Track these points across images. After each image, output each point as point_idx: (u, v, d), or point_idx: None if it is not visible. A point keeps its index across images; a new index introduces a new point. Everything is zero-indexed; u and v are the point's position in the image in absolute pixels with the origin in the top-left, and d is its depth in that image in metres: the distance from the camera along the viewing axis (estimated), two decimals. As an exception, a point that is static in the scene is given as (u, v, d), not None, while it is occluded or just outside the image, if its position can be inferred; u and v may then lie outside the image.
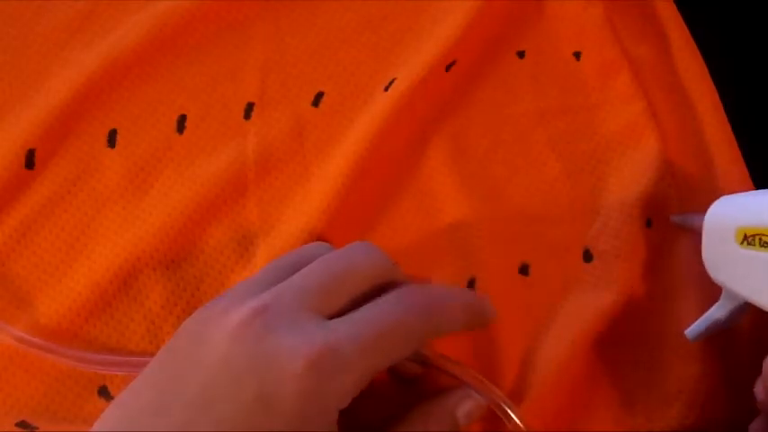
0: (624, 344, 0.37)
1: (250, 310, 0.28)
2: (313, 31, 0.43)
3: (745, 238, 0.32)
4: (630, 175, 0.40)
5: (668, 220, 0.39)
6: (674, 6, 0.43)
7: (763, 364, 0.31)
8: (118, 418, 0.28)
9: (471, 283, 0.38)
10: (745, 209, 0.33)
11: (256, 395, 0.26)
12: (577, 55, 0.42)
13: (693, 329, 0.36)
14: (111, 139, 0.40)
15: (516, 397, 0.36)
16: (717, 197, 0.35)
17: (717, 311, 0.35)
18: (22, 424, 0.35)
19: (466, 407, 0.31)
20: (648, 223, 0.39)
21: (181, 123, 0.41)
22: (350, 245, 0.32)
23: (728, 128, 0.40)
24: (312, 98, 0.41)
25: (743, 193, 0.35)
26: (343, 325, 0.28)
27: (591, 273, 0.38)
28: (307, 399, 0.26)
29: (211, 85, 0.41)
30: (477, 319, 0.33)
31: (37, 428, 0.35)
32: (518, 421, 0.31)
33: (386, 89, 0.41)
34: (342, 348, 0.27)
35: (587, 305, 0.37)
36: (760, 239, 0.32)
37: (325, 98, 0.41)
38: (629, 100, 0.41)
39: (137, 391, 0.28)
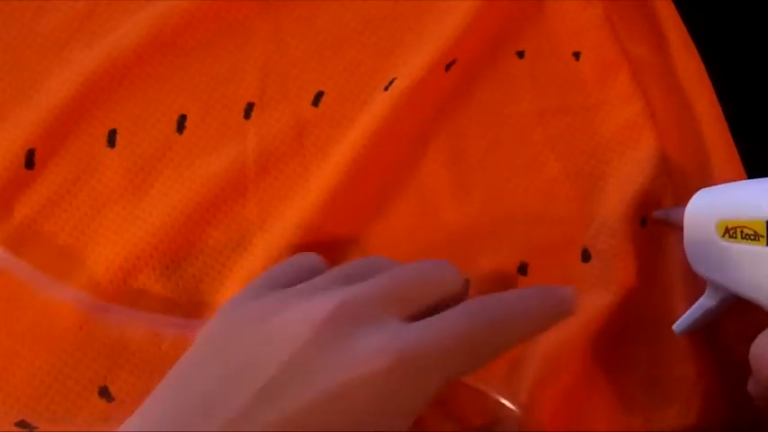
0: (622, 344, 0.37)
1: (336, 300, 0.27)
2: (313, 31, 0.43)
3: (727, 230, 0.32)
4: (628, 174, 0.40)
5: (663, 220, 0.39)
6: (673, 6, 0.43)
7: (750, 361, 0.31)
8: (171, 401, 0.27)
9: (468, 282, 0.38)
10: (725, 201, 0.33)
11: (337, 387, 0.25)
12: (577, 55, 0.42)
13: (680, 323, 0.36)
14: (111, 139, 0.40)
15: (514, 397, 0.36)
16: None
17: (702, 304, 0.35)
18: (21, 424, 0.35)
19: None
20: (643, 222, 0.39)
21: (181, 123, 0.41)
22: (422, 260, 0.32)
23: (726, 128, 0.40)
24: (312, 98, 0.41)
25: (723, 185, 0.35)
26: (428, 329, 0.27)
27: (589, 273, 0.38)
28: (390, 396, 0.25)
29: (211, 85, 0.41)
30: (556, 316, 0.31)
31: (37, 428, 0.35)
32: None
33: (386, 89, 0.41)
34: (427, 351, 0.26)
35: (585, 305, 0.37)
36: (741, 231, 0.32)
37: (325, 98, 0.41)
38: (629, 100, 0.41)
39: (189, 373, 0.28)
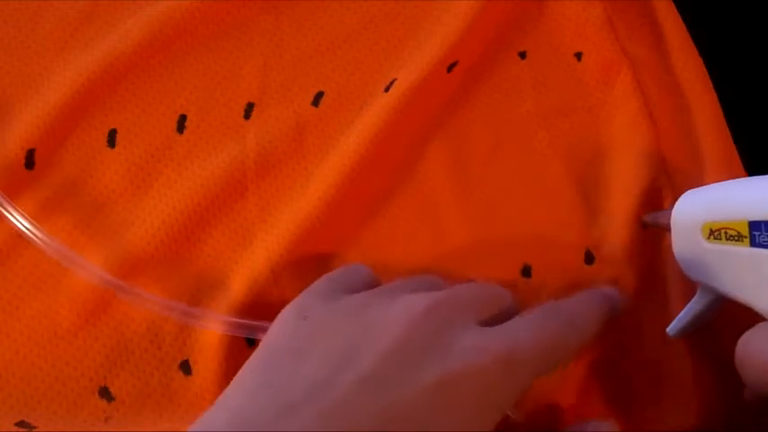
0: (621, 345, 0.37)
1: (429, 299, 0.28)
2: (313, 30, 0.43)
3: (712, 232, 0.32)
4: (629, 175, 0.40)
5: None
6: (673, 6, 0.43)
7: (736, 367, 0.31)
8: (264, 384, 0.27)
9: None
10: (709, 203, 0.33)
11: (438, 381, 0.26)
12: (579, 56, 0.42)
13: (674, 326, 0.36)
14: (111, 139, 0.40)
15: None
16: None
17: (694, 307, 0.35)
18: (21, 424, 0.35)
19: None
20: (645, 224, 0.39)
21: (181, 123, 0.41)
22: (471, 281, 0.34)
23: (725, 128, 0.40)
24: (312, 98, 0.41)
25: (707, 186, 0.34)
26: (518, 330, 0.29)
27: (592, 274, 0.38)
28: (486, 392, 0.26)
29: (211, 85, 0.41)
30: (614, 315, 0.34)
31: (37, 428, 0.35)
32: None
33: (386, 89, 0.41)
34: (521, 350, 0.28)
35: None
36: (726, 233, 0.32)
37: (325, 98, 0.41)
38: (629, 100, 0.41)
39: (282, 359, 0.28)
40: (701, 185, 0.38)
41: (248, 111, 0.41)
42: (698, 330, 0.36)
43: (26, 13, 0.42)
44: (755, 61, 0.43)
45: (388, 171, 0.40)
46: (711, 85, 0.41)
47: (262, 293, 0.37)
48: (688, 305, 0.35)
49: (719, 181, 0.38)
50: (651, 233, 0.39)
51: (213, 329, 0.36)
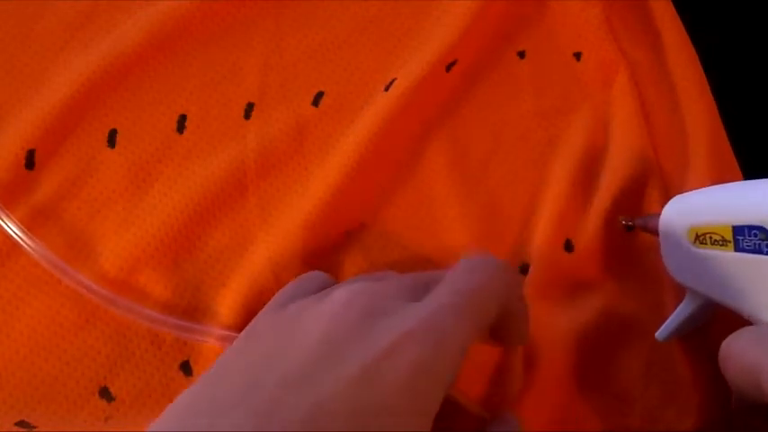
0: (620, 344, 0.37)
1: (350, 293, 0.28)
2: (313, 30, 0.43)
3: (697, 237, 0.32)
4: (623, 174, 0.40)
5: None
6: (672, 7, 0.43)
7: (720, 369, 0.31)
8: (202, 395, 0.27)
9: None
10: (694, 208, 0.33)
11: (359, 373, 0.25)
12: (578, 55, 0.42)
13: (663, 330, 0.36)
14: (111, 139, 0.40)
15: (513, 399, 0.36)
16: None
17: (682, 311, 0.35)
18: (21, 424, 0.35)
19: None
20: (631, 227, 0.39)
21: (181, 123, 0.41)
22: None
23: (722, 129, 0.41)
24: (312, 98, 0.41)
25: (694, 192, 0.34)
26: (437, 299, 0.28)
27: (570, 263, 0.38)
28: (415, 371, 0.25)
29: (211, 85, 0.41)
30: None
31: (37, 428, 0.35)
32: None
33: (386, 89, 0.41)
34: (445, 312, 0.27)
35: (584, 307, 0.38)
36: (711, 238, 0.32)
37: (325, 98, 0.41)
38: (627, 100, 0.41)
39: (222, 371, 0.28)
40: (695, 186, 0.38)
41: (248, 111, 0.41)
42: (696, 332, 0.36)
43: (26, 13, 0.42)
44: (752, 62, 0.43)
45: (388, 170, 0.40)
46: (708, 86, 0.41)
47: (263, 294, 0.37)
48: (677, 310, 0.35)
49: (714, 182, 0.39)
50: (642, 234, 0.39)
51: (206, 342, 0.36)
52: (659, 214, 0.35)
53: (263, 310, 0.33)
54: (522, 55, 0.43)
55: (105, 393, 0.36)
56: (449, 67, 0.41)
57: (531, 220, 0.39)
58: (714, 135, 0.40)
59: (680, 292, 0.37)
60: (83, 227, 0.39)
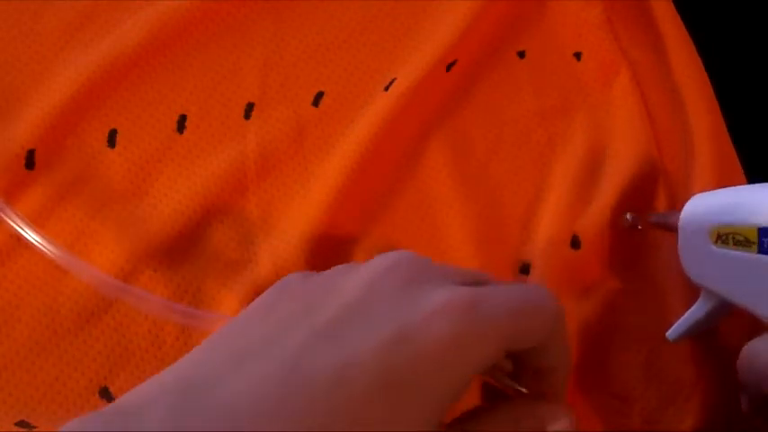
0: (621, 345, 0.37)
1: (392, 261, 0.27)
2: (313, 30, 0.43)
3: (719, 236, 0.32)
4: (625, 174, 0.40)
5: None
6: (673, 7, 0.43)
7: (738, 374, 0.31)
8: (220, 344, 0.26)
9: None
10: (717, 207, 0.33)
11: (394, 334, 0.25)
12: (578, 55, 0.42)
13: (674, 330, 0.35)
14: (111, 139, 0.40)
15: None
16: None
17: (696, 312, 0.35)
18: (21, 424, 0.35)
19: (559, 426, 0.29)
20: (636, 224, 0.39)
21: (181, 123, 0.41)
22: None
23: (724, 129, 0.41)
24: (312, 98, 0.41)
25: (716, 191, 0.34)
26: (488, 290, 0.27)
27: (579, 261, 0.38)
28: (449, 344, 0.25)
29: (211, 85, 0.41)
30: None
31: (37, 428, 0.35)
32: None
33: (386, 89, 0.41)
34: (490, 304, 0.26)
35: (586, 306, 0.38)
36: (733, 238, 0.31)
37: (325, 98, 0.41)
38: (628, 99, 0.41)
39: (243, 324, 0.27)
40: (699, 186, 0.38)
41: (248, 111, 0.41)
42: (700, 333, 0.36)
43: (26, 14, 0.42)
44: (754, 61, 0.43)
45: (388, 170, 0.40)
46: (710, 86, 0.41)
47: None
48: (690, 310, 0.35)
49: (717, 180, 0.38)
50: (649, 233, 0.39)
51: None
52: (679, 211, 0.34)
53: (283, 280, 0.31)
54: (522, 55, 0.43)
55: (105, 393, 0.36)
56: (449, 67, 0.41)
57: (533, 220, 0.39)
58: (717, 134, 0.40)
59: (683, 292, 0.37)
60: (83, 227, 0.39)
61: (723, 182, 0.39)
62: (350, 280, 0.27)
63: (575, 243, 0.38)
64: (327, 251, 0.38)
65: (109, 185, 0.39)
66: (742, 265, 0.31)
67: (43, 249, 0.37)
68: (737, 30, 0.44)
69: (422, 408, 0.24)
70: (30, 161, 0.39)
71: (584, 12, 0.43)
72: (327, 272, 0.29)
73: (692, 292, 0.36)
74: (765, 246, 0.30)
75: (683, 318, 0.35)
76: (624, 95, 0.41)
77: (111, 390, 0.36)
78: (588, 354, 0.37)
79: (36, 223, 0.38)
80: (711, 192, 0.34)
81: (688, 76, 0.41)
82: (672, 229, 0.35)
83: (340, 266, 0.29)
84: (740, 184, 0.39)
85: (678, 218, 0.34)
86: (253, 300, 0.36)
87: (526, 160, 0.41)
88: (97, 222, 0.39)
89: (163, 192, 0.39)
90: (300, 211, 0.38)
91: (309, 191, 0.39)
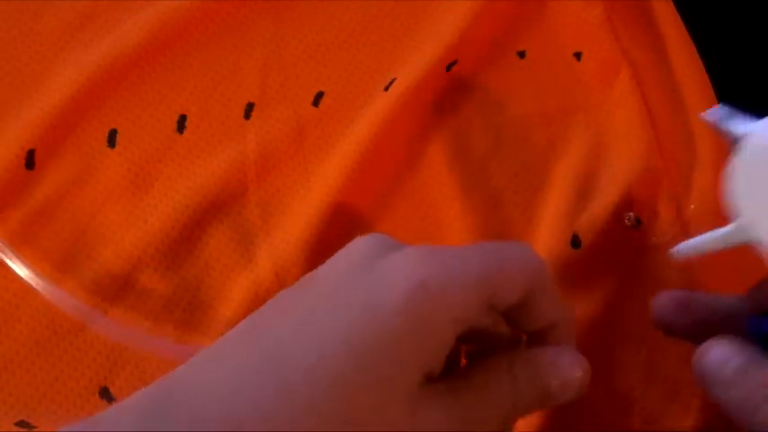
0: (621, 345, 0.37)
1: (355, 242, 0.27)
2: (313, 30, 0.43)
3: None
4: (626, 174, 0.40)
5: (659, 221, 0.39)
6: (673, 7, 0.43)
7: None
8: (203, 354, 0.26)
9: None
10: None
11: (363, 306, 0.24)
12: (578, 55, 0.42)
13: (681, 248, 0.31)
14: (111, 139, 0.40)
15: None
16: (711, 198, 0.35)
17: (716, 241, 0.30)
18: (21, 424, 0.35)
19: (563, 365, 0.28)
20: (638, 223, 0.39)
21: (181, 123, 0.41)
22: None
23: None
24: (312, 98, 0.41)
25: None
26: (453, 256, 0.26)
27: (577, 259, 0.38)
28: (414, 290, 0.24)
29: (211, 85, 0.41)
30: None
31: (37, 428, 0.35)
32: None
33: (386, 89, 0.41)
34: (447, 257, 0.26)
35: (586, 306, 0.38)
36: None
37: (325, 98, 0.41)
38: (628, 100, 0.41)
39: (226, 338, 0.27)
40: (700, 186, 0.38)
41: (248, 111, 0.41)
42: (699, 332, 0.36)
43: (26, 13, 0.42)
44: (754, 62, 0.43)
45: (388, 170, 0.40)
46: (710, 86, 0.41)
47: (264, 294, 0.37)
48: (709, 233, 0.30)
49: (716, 181, 0.38)
50: (647, 233, 0.39)
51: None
52: (746, 122, 0.29)
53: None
54: (522, 55, 0.43)
55: (105, 393, 0.36)
56: (449, 67, 0.41)
57: (533, 220, 0.39)
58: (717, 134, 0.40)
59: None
60: (83, 227, 0.39)
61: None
62: (322, 271, 0.27)
63: (575, 243, 0.38)
64: (327, 251, 0.38)
65: (109, 185, 0.39)
66: None
67: (19, 273, 0.37)
68: (737, 30, 0.44)
69: (402, 376, 0.24)
70: (30, 161, 0.39)
71: (585, 12, 0.43)
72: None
73: (694, 289, 0.37)
74: None
75: (697, 238, 0.31)
76: (624, 95, 0.41)
77: (112, 390, 0.36)
78: (588, 354, 0.37)
79: (36, 223, 0.38)
80: None
81: (688, 76, 0.41)
82: (729, 139, 0.30)
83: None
84: None
85: (746, 134, 0.29)
86: (252, 300, 0.37)
87: (526, 160, 0.41)
88: (97, 222, 0.39)
89: (163, 192, 0.39)
90: (300, 211, 0.38)
91: (309, 191, 0.39)
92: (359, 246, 0.27)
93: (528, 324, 0.29)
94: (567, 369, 0.28)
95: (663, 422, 0.36)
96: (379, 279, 0.25)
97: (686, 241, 0.31)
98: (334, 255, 0.28)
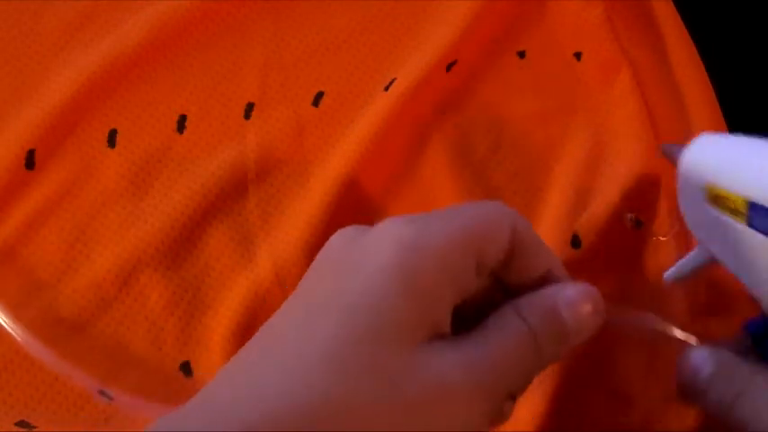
0: (621, 344, 0.37)
1: (338, 233, 0.28)
2: (313, 30, 0.43)
3: (712, 197, 0.29)
4: (625, 174, 0.40)
5: (658, 221, 0.39)
6: (673, 7, 0.43)
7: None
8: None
9: None
10: (714, 164, 0.29)
11: (353, 274, 0.25)
12: (578, 55, 0.42)
13: (671, 273, 0.34)
14: (111, 139, 0.40)
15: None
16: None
17: (693, 260, 0.32)
18: (21, 424, 0.35)
19: (567, 295, 0.27)
20: (638, 224, 0.39)
21: (181, 123, 0.41)
22: None
23: (725, 129, 0.41)
24: (312, 98, 0.41)
25: (720, 138, 0.31)
26: (434, 217, 0.27)
27: (579, 260, 0.38)
28: (399, 248, 0.25)
29: (211, 85, 0.41)
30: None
31: (37, 428, 0.35)
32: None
33: (386, 89, 0.41)
34: (435, 227, 0.26)
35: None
36: (725, 202, 0.28)
37: (325, 98, 0.41)
38: (629, 100, 0.41)
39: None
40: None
41: (248, 111, 0.41)
42: (697, 331, 0.36)
43: (26, 14, 0.42)
44: (754, 61, 0.43)
45: (388, 170, 0.40)
46: (710, 86, 0.41)
47: (264, 294, 0.37)
48: (689, 256, 0.33)
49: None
50: (647, 233, 0.39)
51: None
52: (683, 148, 0.31)
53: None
54: (522, 55, 0.43)
55: (105, 393, 0.36)
56: (449, 67, 0.41)
57: (533, 220, 0.39)
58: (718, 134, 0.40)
59: (683, 292, 0.37)
60: (83, 227, 0.39)
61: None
62: (308, 272, 0.28)
63: (575, 243, 0.38)
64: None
65: (109, 185, 0.39)
66: (731, 231, 0.28)
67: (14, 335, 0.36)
68: (737, 30, 0.44)
69: (403, 330, 0.24)
70: (30, 161, 0.39)
71: (585, 12, 0.43)
72: None
73: (692, 291, 0.37)
74: (755, 221, 0.27)
75: (681, 261, 0.33)
76: (624, 95, 0.41)
77: (112, 390, 0.36)
78: (588, 354, 0.37)
79: (36, 223, 0.38)
80: (717, 137, 0.31)
81: (688, 76, 0.41)
82: (673, 163, 0.32)
83: None
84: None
85: (680, 155, 0.31)
86: (252, 300, 0.37)
87: (526, 160, 0.41)
88: (97, 222, 0.39)
89: (163, 192, 0.39)
90: (300, 210, 0.38)
91: (309, 191, 0.39)
92: (336, 238, 0.28)
93: (522, 276, 0.28)
94: (574, 296, 0.27)
95: (663, 422, 0.36)
96: (366, 249, 0.26)
97: (671, 268, 0.33)
98: (317, 256, 0.28)
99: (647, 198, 0.39)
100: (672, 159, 0.32)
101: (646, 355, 0.37)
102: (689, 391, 0.29)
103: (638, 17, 0.43)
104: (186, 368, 0.37)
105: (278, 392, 0.23)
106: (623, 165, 0.40)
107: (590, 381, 0.37)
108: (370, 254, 0.25)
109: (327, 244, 0.28)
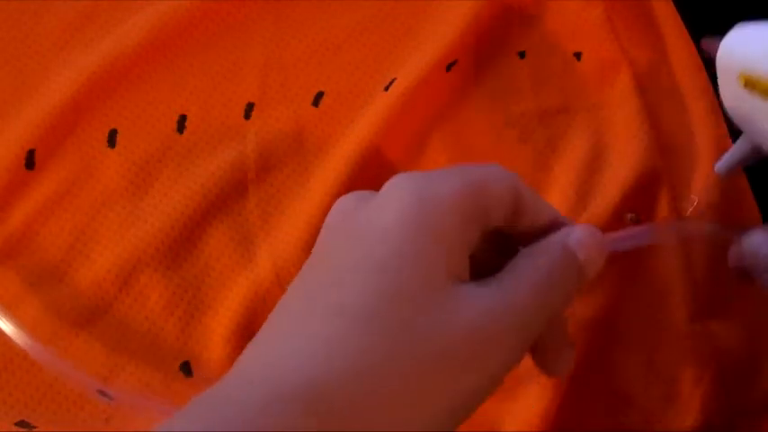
0: (621, 345, 0.37)
1: (341, 199, 0.28)
2: (313, 30, 0.43)
3: (747, 82, 0.30)
4: (626, 174, 0.40)
5: (658, 221, 0.39)
6: (673, 6, 0.43)
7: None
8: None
9: None
10: (750, 51, 0.30)
11: (366, 233, 0.25)
12: (578, 55, 0.42)
13: (723, 163, 0.35)
14: (111, 139, 0.40)
15: (511, 397, 0.36)
16: (711, 198, 0.35)
17: (740, 147, 0.33)
18: (21, 424, 0.35)
19: (576, 235, 0.28)
20: (638, 222, 0.39)
21: (181, 123, 0.41)
22: None
23: (724, 128, 0.40)
24: (312, 98, 0.41)
25: (756, 26, 0.31)
26: (436, 173, 0.27)
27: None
28: (416, 218, 0.25)
29: (211, 85, 0.41)
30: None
31: (37, 428, 0.35)
32: None
33: (386, 89, 0.41)
34: (440, 180, 0.26)
35: (586, 305, 0.38)
36: (761, 86, 0.29)
37: (325, 98, 0.41)
38: (629, 100, 0.41)
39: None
40: (698, 185, 0.38)
41: (248, 111, 0.41)
42: (699, 331, 0.36)
43: (26, 13, 0.42)
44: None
45: (388, 170, 0.40)
46: (710, 86, 0.41)
47: (264, 294, 0.37)
48: (736, 144, 0.34)
49: (717, 181, 0.38)
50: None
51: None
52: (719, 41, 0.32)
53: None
54: (522, 55, 0.43)
55: (105, 393, 0.36)
56: (449, 67, 0.41)
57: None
58: (717, 134, 0.40)
59: (683, 292, 0.37)
60: (83, 227, 0.39)
61: (724, 181, 0.39)
62: (316, 245, 0.28)
63: None
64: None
65: (109, 185, 0.39)
66: (766, 114, 0.29)
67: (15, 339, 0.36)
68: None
69: (423, 277, 0.25)
70: (30, 161, 0.39)
71: (585, 12, 0.43)
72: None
73: (692, 291, 0.37)
74: None
75: (726, 154, 0.34)
76: (624, 95, 0.41)
77: (112, 390, 0.36)
78: (588, 354, 0.37)
79: (36, 223, 0.38)
80: (752, 26, 0.32)
81: (688, 76, 0.41)
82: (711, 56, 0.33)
83: None
84: (740, 183, 0.39)
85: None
86: (252, 300, 0.37)
87: (526, 160, 0.41)
88: (97, 222, 0.39)
89: (163, 192, 0.39)
90: (300, 210, 0.38)
91: (309, 191, 0.39)
92: (342, 203, 0.28)
93: (529, 227, 0.29)
94: (581, 234, 0.28)
95: (663, 422, 0.36)
96: (380, 206, 0.26)
97: (719, 162, 0.35)
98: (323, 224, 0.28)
99: (647, 198, 0.39)
100: (712, 52, 0.33)
101: (646, 355, 0.37)
102: (751, 272, 0.30)
103: (638, 17, 0.43)
104: (186, 368, 0.37)
105: (314, 363, 0.23)
106: (623, 165, 0.40)
107: (590, 381, 0.37)
108: (385, 210, 0.26)
109: (333, 212, 0.28)
